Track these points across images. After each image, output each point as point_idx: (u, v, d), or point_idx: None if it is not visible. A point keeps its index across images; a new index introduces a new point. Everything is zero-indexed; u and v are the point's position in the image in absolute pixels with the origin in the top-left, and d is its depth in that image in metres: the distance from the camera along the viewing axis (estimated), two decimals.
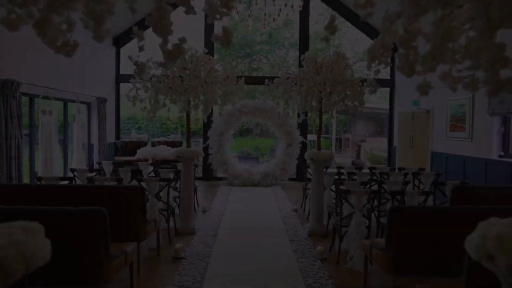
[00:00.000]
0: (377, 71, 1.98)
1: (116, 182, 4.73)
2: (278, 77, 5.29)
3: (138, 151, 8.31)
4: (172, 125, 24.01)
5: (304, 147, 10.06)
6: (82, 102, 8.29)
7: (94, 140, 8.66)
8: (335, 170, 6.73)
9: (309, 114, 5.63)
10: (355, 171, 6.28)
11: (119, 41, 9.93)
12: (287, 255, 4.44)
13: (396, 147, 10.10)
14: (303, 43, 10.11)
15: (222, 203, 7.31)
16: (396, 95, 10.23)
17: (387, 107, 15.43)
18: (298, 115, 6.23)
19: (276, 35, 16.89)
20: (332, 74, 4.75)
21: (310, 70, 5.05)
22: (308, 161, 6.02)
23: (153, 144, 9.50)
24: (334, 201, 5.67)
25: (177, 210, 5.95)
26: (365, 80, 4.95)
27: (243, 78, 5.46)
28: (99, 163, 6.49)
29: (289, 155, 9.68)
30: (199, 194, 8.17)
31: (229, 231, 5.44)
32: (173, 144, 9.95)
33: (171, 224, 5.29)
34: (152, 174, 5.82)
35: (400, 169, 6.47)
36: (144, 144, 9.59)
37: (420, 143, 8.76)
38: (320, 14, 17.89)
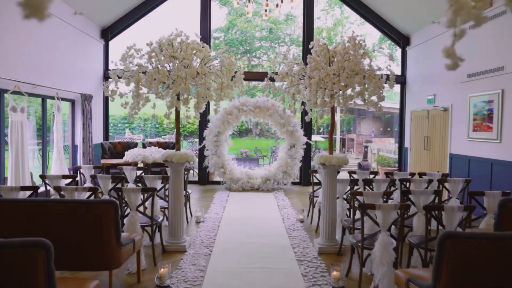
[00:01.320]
0: (461, 34, 1.20)
1: (91, 192, 3.94)
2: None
3: (126, 153, 7.53)
4: (171, 124, 23.27)
5: (308, 149, 9.29)
6: (64, 99, 7.50)
7: (78, 141, 7.87)
8: (346, 176, 5.96)
9: (313, 111, 4.84)
10: (370, 177, 5.51)
11: (108, 33, 9.14)
12: (296, 283, 3.65)
13: (408, 148, 9.33)
14: (308, 39, 9.33)
15: (218, 212, 6.52)
16: (408, 93, 9.46)
17: (394, 105, 14.74)
18: (305, 113, 5.43)
19: (276, 31, 16.11)
20: (348, 63, 3.97)
21: (321, 59, 4.26)
22: (317, 166, 5.25)
23: (144, 146, 8.72)
24: (348, 212, 4.91)
25: (165, 222, 5.18)
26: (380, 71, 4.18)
27: (242, 69, 4.68)
28: (77, 168, 5.71)
29: (292, 157, 8.90)
30: (193, 201, 7.39)
31: (226, 247, 4.65)
32: (166, 146, 9.16)
33: (157, 240, 4.51)
34: (144, 178, 5.03)
35: (420, 174, 5.69)
36: (134, 145, 8.80)
37: (436, 145, 7.99)
38: (322, 9, 17.12)
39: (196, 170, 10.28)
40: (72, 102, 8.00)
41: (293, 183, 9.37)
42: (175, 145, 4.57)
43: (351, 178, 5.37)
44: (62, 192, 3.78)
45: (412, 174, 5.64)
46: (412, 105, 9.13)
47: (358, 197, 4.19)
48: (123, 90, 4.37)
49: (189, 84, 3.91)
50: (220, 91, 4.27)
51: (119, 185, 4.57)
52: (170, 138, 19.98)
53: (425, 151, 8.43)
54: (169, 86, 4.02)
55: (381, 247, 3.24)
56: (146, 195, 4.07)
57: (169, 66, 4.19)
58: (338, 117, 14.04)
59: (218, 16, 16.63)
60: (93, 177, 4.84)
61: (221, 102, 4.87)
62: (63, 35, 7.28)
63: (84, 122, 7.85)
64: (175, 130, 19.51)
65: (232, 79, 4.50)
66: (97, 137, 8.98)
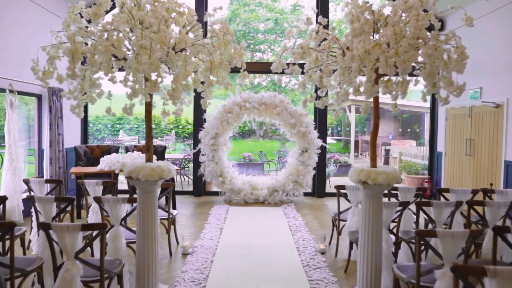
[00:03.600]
0: None
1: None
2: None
3: (101, 159, 6.10)
4: (170, 125, 21.84)
5: (323, 153, 7.81)
6: (26, 94, 6.08)
7: (45, 145, 6.45)
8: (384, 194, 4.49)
9: (333, 102, 3.34)
10: (426, 199, 4.05)
11: None
12: None
13: (442, 153, 7.83)
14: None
15: (214, 237, 5.06)
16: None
17: (413, 103, 13.18)
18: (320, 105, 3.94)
19: (282, 22, 14.65)
20: (417, 23, 2.49)
21: (363, 26, 2.79)
22: (355, 185, 3.82)
23: (127, 150, 7.29)
24: (394, 248, 3.44)
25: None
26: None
27: (244, 43, 3.22)
28: (26, 182, 4.29)
29: (305, 164, 7.42)
30: (183, 219, 5.93)
31: None
32: (154, 150, 7.71)
33: None
34: (103, 200, 3.57)
35: (485, 191, 4.20)
36: (115, 149, 7.37)
37: (483, 149, 6.49)
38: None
39: (190, 177, 8.83)
40: (39, 98, 6.58)
41: (305, 194, 7.89)
42: (146, 155, 3.11)
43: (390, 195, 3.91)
44: None
45: (475, 192, 4.13)
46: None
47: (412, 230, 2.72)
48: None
49: (159, 61, 2.46)
50: (210, 73, 2.80)
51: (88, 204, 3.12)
52: (167, 140, 18.57)
53: (467, 157, 6.93)
54: (129, 65, 2.56)
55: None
56: (93, 233, 2.62)
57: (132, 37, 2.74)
58: (352, 116, 12.56)
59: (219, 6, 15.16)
60: (30, 200, 3.39)
61: (214, 95, 3.43)
62: (24, 13, 5.86)
63: (52, 121, 6.42)
64: (173, 130, 17.72)
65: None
66: (73, 140, 7.56)
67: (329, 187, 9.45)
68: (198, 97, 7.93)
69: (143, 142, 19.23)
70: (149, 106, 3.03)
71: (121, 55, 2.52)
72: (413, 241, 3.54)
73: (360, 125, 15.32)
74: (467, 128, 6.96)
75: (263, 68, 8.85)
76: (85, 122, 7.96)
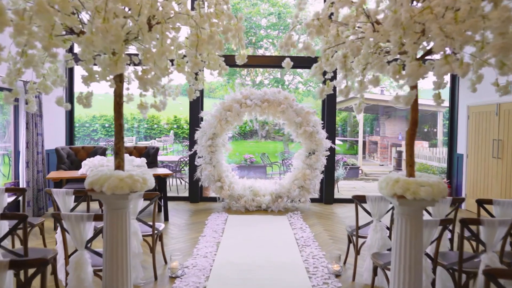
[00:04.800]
0: None
1: None
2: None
3: (83, 163, 5.41)
4: (168, 125, 21.13)
5: (332, 155, 7.09)
6: None
7: (21, 146, 5.75)
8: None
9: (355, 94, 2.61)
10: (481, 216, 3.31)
11: None
12: None
13: (464, 155, 7.09)
14: None
15: (208, 254, 4.34)
16: (462, 81, 7.22)
17: (427, 101, 12.34)
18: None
19: (285, 16, 13.94)
20: None
21: None
22: (378, 196, 3.13)
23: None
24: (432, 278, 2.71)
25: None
26: None
27: (242, 16, 2.50)
28: None
29: (312, 167, 6.70)
30: (174, 232, 5.21)
31: None
32: (146, 152, 7.01)
33: None
34: (61, 217, 2.85)
35: None
36: (102, 151, 6.67)
37: None
38: None
39: (186, 181, 8.11)
40: None
41: (312, 200, 7.16)
42: (115, 159, 2.40)
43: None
44: None
45: None
46: (470, 97, 6.88)
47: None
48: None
49: (119, 29, 1.75)
50: (196, 51, 2.09)
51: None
52: (165, 141, 17.88)
53: (494, 160, 6.19)
54: (81, 41, 1.84)
55: None
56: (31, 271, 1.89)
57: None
58: (360, 115, 11.86)
59: None
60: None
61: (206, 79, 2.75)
62: None
63: (29, 120, 5.73)
64: (171, 130, 17.19)
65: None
66: (57, 141, 6.87)
67: (337, 192, 8.72)
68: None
69: (140, 143, 18.56)
70: (118, 97, 2.32)
71: (70, 23, 1.80)
72: (455, 267, 2.81)
73: (367, 125, 14.57)
74: (494, 127, 6.23)
75: (266, 62, 8.13)
76: (70, 121, 7.27)
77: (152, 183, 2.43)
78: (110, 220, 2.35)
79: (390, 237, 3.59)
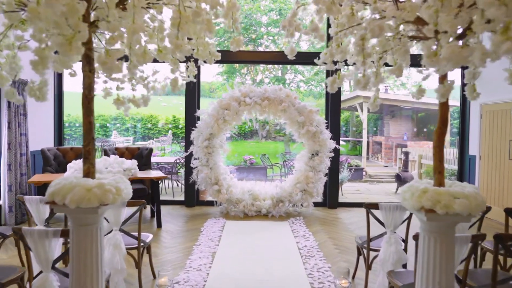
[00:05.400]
0: None
1: None
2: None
3: (68, 166, 5.01)
4: (168, 124, 20.72)
5: (336, 157, 6.68)
6: None
7: (3, 147, 5.35)
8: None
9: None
10: None
11: None
12: None
13: (476, 157, 6.68)
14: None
15: (203, 266, 3.94)
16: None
17: (428, 100, 11.86)
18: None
19: (286, 13, 13.52)
20: None
21: None
22: (393, 204, 2.75)
23: (105, 152, 6.19)
24: None
25: None
26: None
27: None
28: None
29: (315, 170, 6.29)
30: (167, 240, 4.79)
31: None
32: (139, 153, 6.61)
33: None
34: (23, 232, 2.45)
35: None
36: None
37: None
38: None
39: (182, 182, 7.71)
40: None
41: (315, 204, 6.74)
42: (84, 165, 1.99)
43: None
44: None
45: None
46: (483, 95, 6.45)
47: None
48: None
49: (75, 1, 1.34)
50: (178, 31, 1.68)
51: None
52: (163, 141, 17.48)
53: (511, 162, 5.77)
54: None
55: None
56: None
57: None
58: (364, 115, 11.42)
59: None
60: None
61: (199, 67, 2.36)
62: None
63: (11, 119, 5.33)
64: (170, 130, 16.86)
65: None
66: (45, 142, 6.47)
67: (341, 195, 8.31)
68: (189, 88, 6.73)
69: (137, 144, 18.17)
70: (87, 89, 1.91)
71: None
72: None
73: (370, 125, 14.16)
74: (511, 127, 5.82)
75: (267, 57, 7.72)
76: (59, 120, 6.86)
77: (128, 194, 2.03)
78: (77, 238, 1.95)
79: (405, 250, 3.19)
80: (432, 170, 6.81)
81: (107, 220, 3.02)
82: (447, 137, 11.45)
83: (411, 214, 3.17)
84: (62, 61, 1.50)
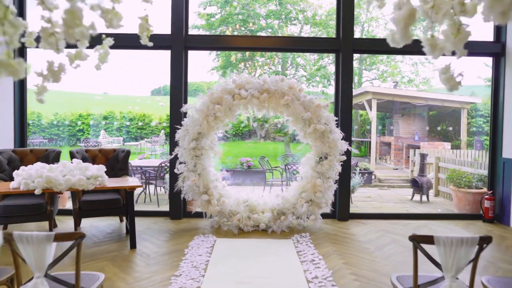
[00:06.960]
0: None
1: None
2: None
3: (14, 173, 3.98)
4: (160, 123, 19.65)
5: (347, 160, 5.66)
6: None
7: None
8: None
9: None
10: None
11: None
12: None
13: (511, 160, 5.67)
14: (346, 11, 5.78)
15: None
16: (510, 70, 5.81)
17: (440, 97, 10.87)
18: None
19: (285, 4, 12.52)
20: None
21: None
22: (454, 238, 1.73)
23: (72, 155, 5.16)
24: None
25: None
26: None
27: None
28: None
29: (324, 176, 5.26)
30: (139, 268, 3.71)
31: None
32: (115, 156, 5.58)
33: None
34: None
35: None
36: (56, 154, 5.24)
37: None
38: None
39: (166, 188, 6.66)
40: None
41: (322, 215, 5.70)
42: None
43: None
44: None
45: None
46: None
47: None
48: None
49: None
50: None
51: None
52: (155, 142, 16.42)
53: None
54: None
55: None
56: None
57: None
58: (373, 112, 10.41)
59: None
60: None
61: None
62: None
63: None
64: (162, 130, 15.63)
65: None
66: (3, 142, 5.44)
67: (351, 203, 7.28)
68: (176, 76, 5.61)
69: (128, 144, 17.13)
70: None
71: None
72: None
73: (378, 125, 13.14)
74: None
75: (267, 42, 6.64)
76: (21, 117, 5.82)
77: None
78: None
79: None
80: (456, 176, 5.68)
81: (24, 261, 2.00)
82: (463, 137, 10.45)
83: (479, 252, 2.15)
84: None
